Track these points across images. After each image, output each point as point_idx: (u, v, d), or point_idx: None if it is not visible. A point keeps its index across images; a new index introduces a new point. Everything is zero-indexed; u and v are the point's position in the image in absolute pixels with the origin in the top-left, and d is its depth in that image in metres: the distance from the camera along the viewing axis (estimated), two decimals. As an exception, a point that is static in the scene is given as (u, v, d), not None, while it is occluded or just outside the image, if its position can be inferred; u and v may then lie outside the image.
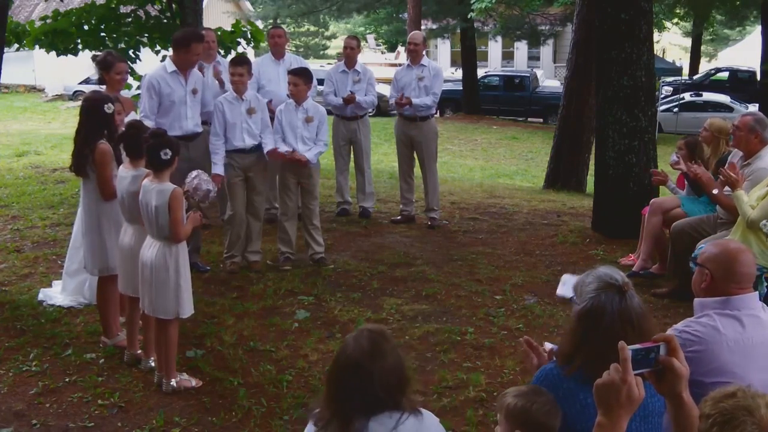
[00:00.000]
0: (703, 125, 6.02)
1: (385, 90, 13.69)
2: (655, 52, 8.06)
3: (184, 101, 5.88)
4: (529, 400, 2.33)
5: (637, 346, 1.95)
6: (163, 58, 9.84)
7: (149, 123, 5.40)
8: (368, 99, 7.64)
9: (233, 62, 6.09)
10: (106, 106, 4.48)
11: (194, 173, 4.41)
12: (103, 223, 4.56)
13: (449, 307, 5.39)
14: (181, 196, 4.02)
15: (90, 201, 4.60)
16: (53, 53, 9.93)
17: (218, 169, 5.88)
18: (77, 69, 21.36)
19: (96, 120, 4.49)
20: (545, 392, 2.39)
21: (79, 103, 5.16)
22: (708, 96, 23.05)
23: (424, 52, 7.67)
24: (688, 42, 36.78)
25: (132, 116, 5.29)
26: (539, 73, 28.29)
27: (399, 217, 7.77)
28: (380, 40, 39.21)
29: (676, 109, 22.22)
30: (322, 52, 47.40)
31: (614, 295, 2.35)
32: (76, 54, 9.97)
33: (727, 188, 5.38)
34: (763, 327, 2.69)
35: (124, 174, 4.29)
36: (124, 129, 4.43)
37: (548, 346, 2.79)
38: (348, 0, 25.29)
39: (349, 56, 7.68)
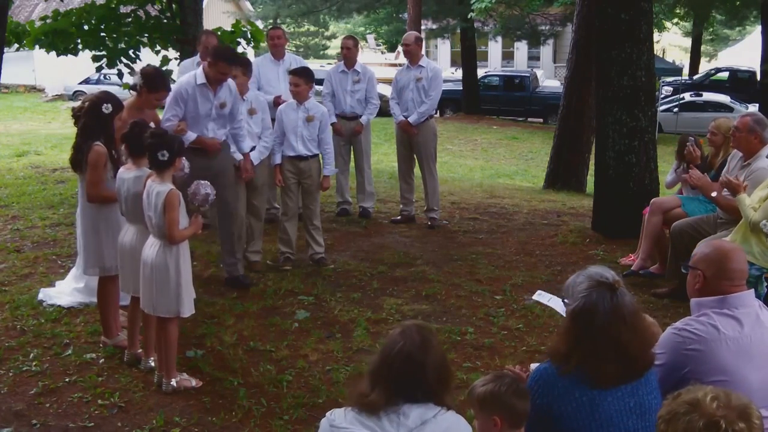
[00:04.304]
0: (710, 129, 5.98)
1: (386, 90, 13.70)
2: (655, 52, 8.06)
3: (209, 114, 5.52)
4: (496, 383, 2.41)
5: None
6: (164, 58, 9.88)
7: (169, 125, 5.29)
8: (370, 113, 7.67)
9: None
10: (104, 106, 4.47)
11: (193, 184, 4.37)
12: (100, 222, 4.54)
13: (449, 307, 5.40)
14: (177, 197, 3.99)
15: (86, 201, 4.59)
16: (53, 53, 9.94)
17: (239, 156, 5.90)
18: (77, 69, 21.37)
19: (93, 119, 4.48)
20: (510, 375, 2.48)
21: (77, 103, 5.14)
22: (708, 96, 23.07)
23: (423, 53, 7.68)
24: (688, 42, 36.80)
25: None
26: (539, 73, 28.31)
27: (399, 217, 7.77)
28: (380, 40, 39.21)
29: (676, 109, 22.24)
30: (322, 52, 47.42)
31: (605, 293, 2.38)
32: (76, 54, 9.98)
33: (726, 190, 5.39)
34: (761, 326, 2.70)
35: (126, 175, 4.28)
36: (128, 128, 4.40)
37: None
38: (348, 0, 25.31)
39: (346, 56, 7.69)
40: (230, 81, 5.55)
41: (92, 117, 4.49)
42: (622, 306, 2.37)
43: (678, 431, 1.74)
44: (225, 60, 5.39)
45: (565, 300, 2.52)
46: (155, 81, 5.09)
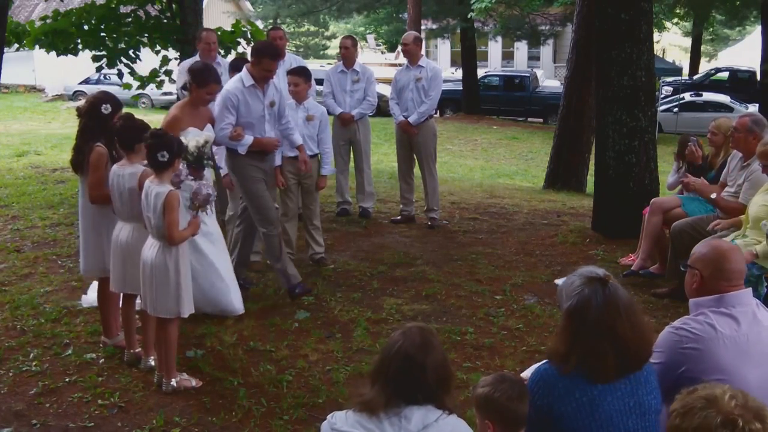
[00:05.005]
0: (710, 129, 5.97)
1: (386, 90, 13.71)
2: (655, 52, 8.06)
3: (262, 115, 5.38)
4: (493, 387, 2.41)
5: None
6: (164, 58, 9.88)
7: (224, 134, 5.21)
8: (364, 108, 7.64)
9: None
10: (103, 107, 4.46)
11: (195, 184, 4.36)
12: (101, 223, 4.52)
13: (449, 307, 5.40)
14: (177, 198, 3.99)
15: (86, 201, 4.57)
16: (53, 53, 9.94)
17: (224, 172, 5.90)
18: (77, 69, 21.38)
19: (93, 120, 4.47)
20: (510, 379, 2.46)
21: (79, 103, 5.12)
22: (708, 96, 23.08)
23: (423, 53, 7.69)
24: (688, 42, 36.80)
25: (208, 129, 5.08)
26: (539, 73, 28.32)
27: (399, 217, 7.77)
28: (380, 40, 39.21)
29: (676, 109, 22.24)
30: (322, 52, 47.41)
31: (597, 287, 2.40)
32: (76, 54, 9.99)
33: (726, 189, 5.39)
34: (758, 324, 2.70)
35: (120, 171, 4.26)
36: (116, 123, 4.37)
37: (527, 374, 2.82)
38: (348, 0, 25.33)
39: (345, 56, 7.70)
40: (274, 78, 5.43)
41: (92, 118, 4.48)
42: (615, 297, 2.39)
43: (693, 426, 1.74)
44: (269, 56, 5.24)
45: (561, 296, 2.52)
46: (203, 75, 5.00)
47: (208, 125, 5.15)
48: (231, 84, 5.34)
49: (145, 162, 4.18)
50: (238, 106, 5.25)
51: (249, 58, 5.69)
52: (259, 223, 5.41)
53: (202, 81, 4.98)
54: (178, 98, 7.66)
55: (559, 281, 2.73)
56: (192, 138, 4.78)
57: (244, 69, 5.39)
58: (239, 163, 5.38)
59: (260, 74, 5.24)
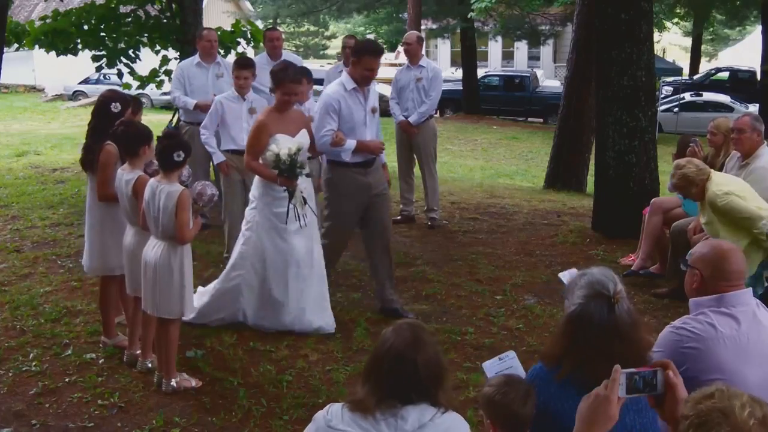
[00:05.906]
0: (709, 129, 5.97)
1: (386, 90, 13.70)
2: (655, 52, 8.07)
3: (364, 122, 4.99)
4: (496, 389, 2.38)
5: (633, 369, 1.99)
6: (164, 58, 9.87)
7: (325, 140, 4.90)
8: None
9: (240, 65, 6.10)
10: (113, 105, 4.48)
11: (198, 184, 4.37)
12: (105, 222, 4.53)
13: (449, 307, 5.40)
14: (189, 198, 4.01)
15: (94, 199, 4.58)
16: (53, 53, 9.94)
17: (220, 157, 5.99)
18: (77, 69, 21.35)
19: (103, 119, 4.49)
20: (518, 381, 2.42)
21: (79, 103, 5.13)
22: (708, 96, 23.08)
23: (423, 53, 7.69)
24: (688, 42, 36.79)
25: (303, 134, 4.84)
26: (539, 73, 28.31)
27: (399, 217, 7.76)
28: (380, 40, 39.19)
29: (676, 109, 22.24)
30: (322, 52, 47.39)
31: (603, 306, 2.33)
32: (76, 54, 9.98)
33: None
34: (758, 324, 2.70)
35: (121, 176, 4.27)
36: (115, 128, 4.38)
37: None
38: (348, 0, 25.32)
39: (347, 56, 7.68)
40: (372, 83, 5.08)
41: (101, 117, 4.51)
42: (618, 319, 2.32)
43: None
44: (370, 53, 4.88)
45: (565, 293, 2.50)
46: (277, 75, 4.84)
47: (303, 131, 4.87)
48: (332, 88, 5.02)
49: (145, 165, 4.21)
50: (339, 111, 4.90)
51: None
52: (325, 247, 5.03)
53: (277, 81, 4.80)
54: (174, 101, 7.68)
55: (563, 275, 2.68)
56: (283, 146, 4.61)
57: (344, 72, 5.14)
58: (340, 174, 5.04)
59: (361, 74, 4.88)
